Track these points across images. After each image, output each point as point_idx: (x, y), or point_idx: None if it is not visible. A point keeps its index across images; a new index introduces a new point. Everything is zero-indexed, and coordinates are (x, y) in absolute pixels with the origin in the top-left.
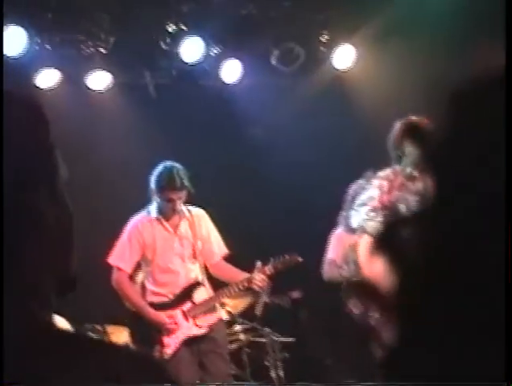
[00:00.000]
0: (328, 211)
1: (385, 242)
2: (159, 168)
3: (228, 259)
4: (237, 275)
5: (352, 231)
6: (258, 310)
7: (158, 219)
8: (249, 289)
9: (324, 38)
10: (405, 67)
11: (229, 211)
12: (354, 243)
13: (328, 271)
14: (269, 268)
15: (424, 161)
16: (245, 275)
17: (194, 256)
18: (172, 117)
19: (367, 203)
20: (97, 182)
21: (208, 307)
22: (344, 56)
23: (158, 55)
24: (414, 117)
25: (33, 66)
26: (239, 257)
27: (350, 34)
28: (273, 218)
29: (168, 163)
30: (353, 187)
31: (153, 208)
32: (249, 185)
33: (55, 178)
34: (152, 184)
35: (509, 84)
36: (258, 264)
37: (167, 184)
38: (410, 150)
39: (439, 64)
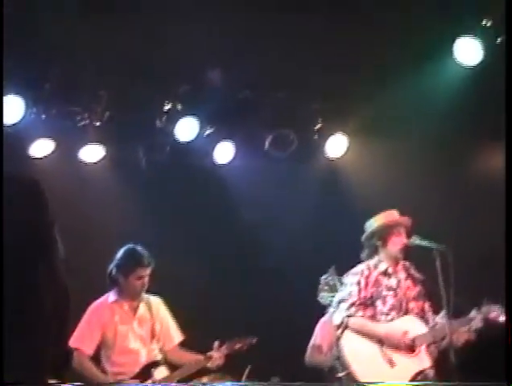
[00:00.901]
0: (311, 296)
1: None
2: (123, 251)
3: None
4: (194, 358)
5: None
6: None
7: (117, 302)
8: (206, 369)
9: (318, 126)
10: (395, 160)
11: (206, 289)
12: (335, 340)
13: (312, 356)
14: (225, 348)
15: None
16: (197, 359)
17: (153, 337)
18: (163, 194)
19: (346, 299)
20: (86, 256)
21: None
22: (336, 145)
23: (152, 132)
24: (395, 213)
25: (28, 135)
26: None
27: (343, 124)
28: (257, 299)
29: (129, 245)
30: (320, 286)
31: (112, 293)
32: (237, 265)
33: (54, 256)
34: (117, 267)
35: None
36: (216, 344)
37: (137, 262)
38: (387, 245)
39: (428, 161)
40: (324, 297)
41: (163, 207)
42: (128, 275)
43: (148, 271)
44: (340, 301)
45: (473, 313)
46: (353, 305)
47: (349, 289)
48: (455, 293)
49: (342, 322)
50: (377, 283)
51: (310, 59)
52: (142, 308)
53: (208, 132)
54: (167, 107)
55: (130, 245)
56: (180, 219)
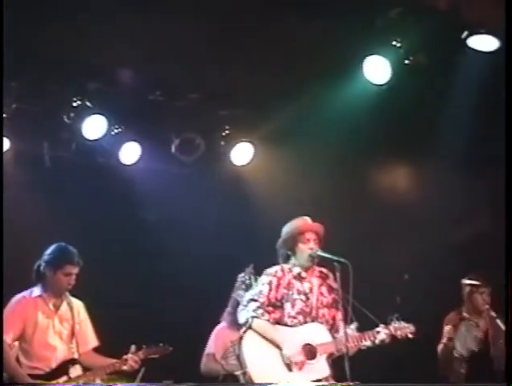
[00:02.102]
0: (217, 299)
1: None
2: (53, 247)
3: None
4: (107, 362)
5: (235, 327)
6: None
7: (41, 297)
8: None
9: (225, 133)
10: (299, 168)
11: (112, 295)
12: (238, 338)
13: (206, 364)
14: (142, 353)
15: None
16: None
17: (72, 336)
18: (66, 191)
19: (256, 298)
20: None
21: (84, 383)
22: (242, 153)
23: (59, 127)
24: (307, 219)
25: None
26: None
27: (250, 132)
28: (159, 305)
29: (61, 243)
30: (237, 284)
31: (37, 288)
32: (135, 267)
33: None
34: (46, 262)
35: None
36: (133, 348)
37: (67, 259)
38: (296, 254)
39: (330, 170)
40: (240, 295)
41: (64, 204)
42: (56, 270)
43: (76, 270)
44: (249, 300)
45: (380, 328)
46: (261, 306)
47: (260, 288)
48: (361, 307)
49: (247, 322)
50: (289, 286)
51: (221, 66)
52: (64, 306)
53: (115, 131)
54: (76, 103)
55: (61, 243)
56: (82, 217)
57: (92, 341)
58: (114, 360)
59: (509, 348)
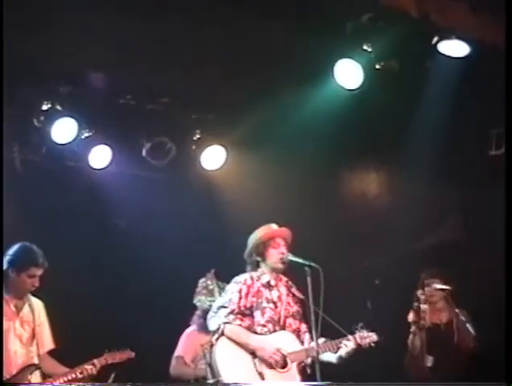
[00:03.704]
0: (187, 303)
1: None
2: (17, 247)
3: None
4: (60, 369)
5: (205, 330)
6: None
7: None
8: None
9: (196, 137)
10: (270, 173)
11: (79, 300)
12: (210, 344)
13: (175, 368)
14: (103, 359)
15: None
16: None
17: (32, 339)
18: (37, 195)
19: (226, 305)
20: None
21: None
22: (213, 157)
23: (29, 131)
24: (273, 226)
25: None
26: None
27: (221, 136)
28: (128, 310)
29: (25, 243)
30: (197, 289)
31: None
32: (105, 273)
33: None
34: (9, 263)
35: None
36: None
37: (30, 260)
38: (267, 259)
39: (302, 175)
40: (201, 300)
41: (34, 208)
42: (20, 272)
43: (41, 271)
44: (219, 307)
45: (347, 337)
46: (231, 312)
47: (230, 296)
48: (326, 314)
49: (219, 329)
50: (258, 294)
51: (192, 69)
52: (26, 308)
53: (86, 135)
54: (47, 106)
55: (25, 243)
56: (52, 222)
57: (48, 344)
58: (67, 369)
59: (509, 348)
